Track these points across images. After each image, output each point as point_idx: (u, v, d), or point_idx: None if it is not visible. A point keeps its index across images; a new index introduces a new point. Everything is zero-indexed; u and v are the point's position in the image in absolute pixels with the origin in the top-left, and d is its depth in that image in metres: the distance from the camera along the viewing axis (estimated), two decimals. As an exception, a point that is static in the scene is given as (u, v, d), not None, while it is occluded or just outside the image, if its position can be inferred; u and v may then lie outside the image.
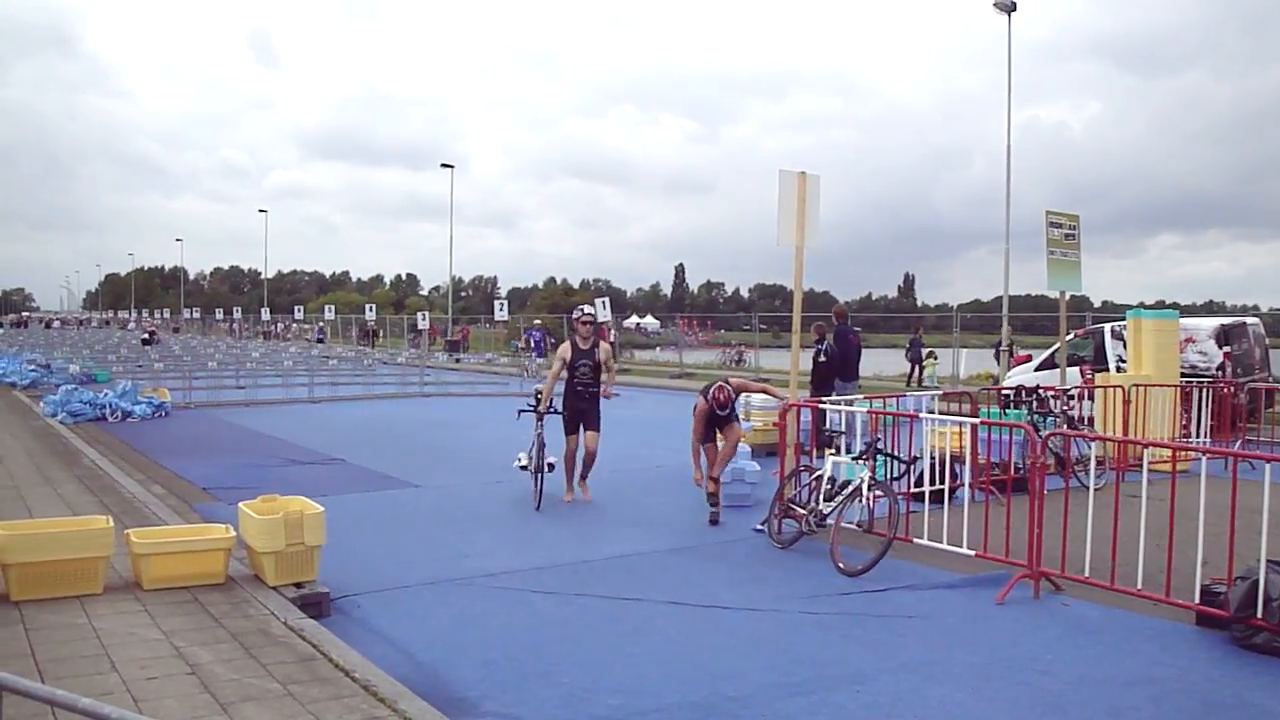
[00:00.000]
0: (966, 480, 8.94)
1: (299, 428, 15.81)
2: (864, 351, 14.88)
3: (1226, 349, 15.59)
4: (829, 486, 7.64)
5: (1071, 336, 16.84)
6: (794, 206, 8.81)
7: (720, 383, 8.72)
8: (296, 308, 63.09)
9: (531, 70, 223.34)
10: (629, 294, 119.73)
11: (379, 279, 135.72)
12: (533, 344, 34.01)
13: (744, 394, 9.55)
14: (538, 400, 9.52)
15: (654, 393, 23.93)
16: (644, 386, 25.74)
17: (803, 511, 7.76)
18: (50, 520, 6.55)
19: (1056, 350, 14.84)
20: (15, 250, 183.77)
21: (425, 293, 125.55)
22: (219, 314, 69.48)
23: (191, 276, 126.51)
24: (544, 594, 6.44)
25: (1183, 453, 8.35)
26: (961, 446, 9.20)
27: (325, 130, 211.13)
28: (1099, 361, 16.45)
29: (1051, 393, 11.18)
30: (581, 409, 9.50)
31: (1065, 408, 11.17)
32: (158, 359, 29.13)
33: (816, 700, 4.65)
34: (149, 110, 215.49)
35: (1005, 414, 10.50)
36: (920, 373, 26.55)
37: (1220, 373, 15.12)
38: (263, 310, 61.87)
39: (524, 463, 9.62)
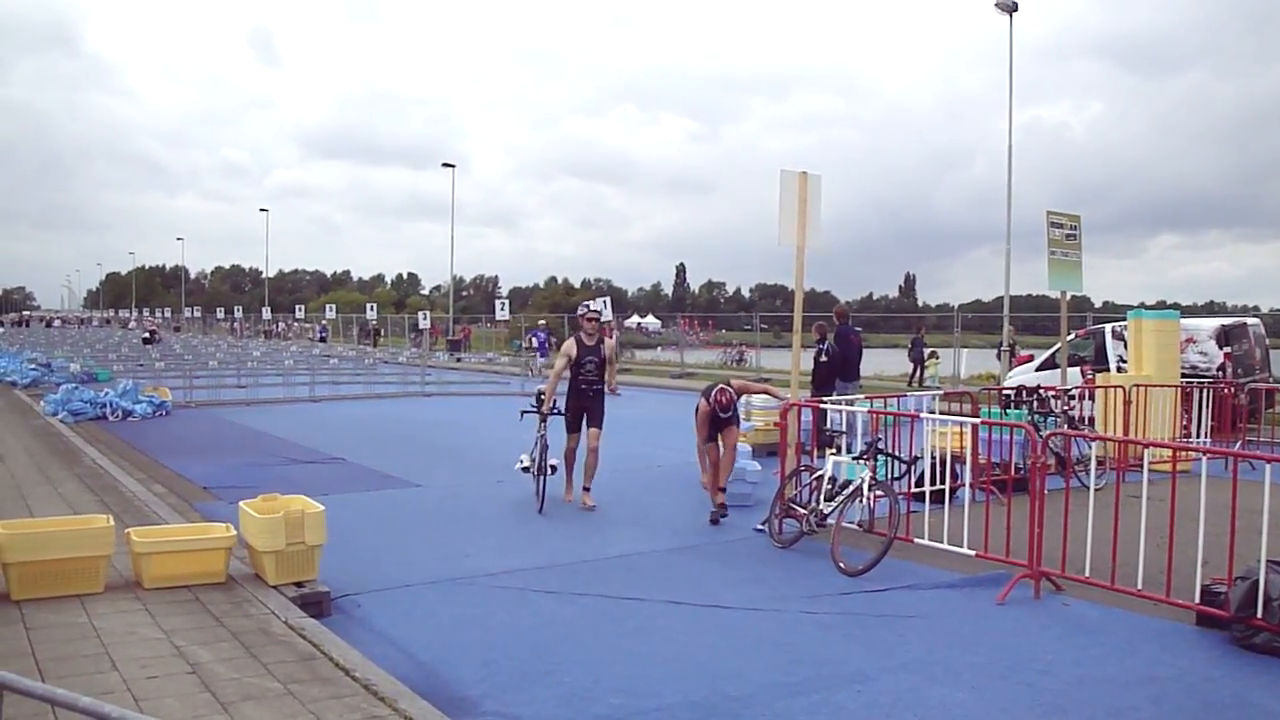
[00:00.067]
0: (967, 480, 8.93)
1: (300, 427, 15.82)
2: (865, 351, 14.90)
3: (1227, 349, 15.59)
4: (830, 486, 7.65)
5: (1072, 337, 16.83)
6: (795, 206, 8.81)
7: (722, 385, 8.71)
8: (298, 307, 63.25)
9: (532, 69, 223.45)
10: (630, 294, 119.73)
11: (380, 278, 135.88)
12: (536, 344, 34.03)
13: (745, 395, 9.53)
14: (540, 401, 9.39)
15: (655, 392, 23.94)
16: (645, 386, 25.75)
17: (803, 511, 7.77)
18: (51, 519, 6.56)
19: (1057, 350, 14.84)
20: (16, 249, 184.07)
21: (426, 292, 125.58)
22: (220, 313, 69.57)
23: (193, 275, 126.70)
24: (545, 593, 6.44)
25: (1183, 453, 8.37)
26: (962, 446, 9.20)
27: (326, 129, 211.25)
28: (1100, 362, 16.45)
29: (1052, 393, 11.18)
30: (585, 406, 9.37)
31: (1066, 408, 11.17)
32: (159, 358, 29.15)
33: (817, 700, 4.65)
34: (150, 109, 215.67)
35: (1006, 414, 10.50)
36: (922, 373, 26.54)
37: (1221, 373, 15.12)
38: (264, 309, 61.90)
39: (526, 464, 9.51)
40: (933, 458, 8.69)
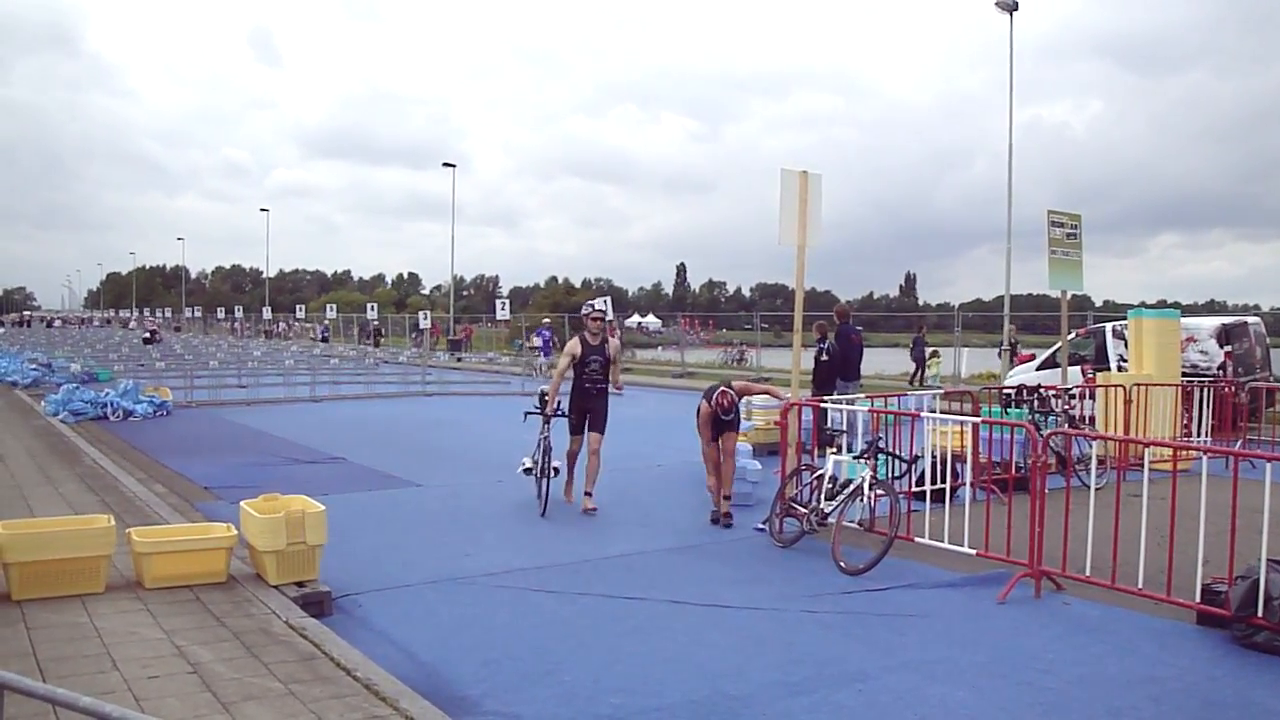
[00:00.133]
0: (968, 479, 8.93)
1: (300, 426, 15.82)
2: (865, 351, 14.90)
3: (1227, 348, 15.58)
4: (830, 485, 7.65)
5: (1073, 336, 16.83)
6: (795, 205, 8.80)
7: (723, 388, 8.67)
8: (298, 307, 63.24)
9: (533, 69, 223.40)
10: (631, 293, 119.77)
11: (380, 278, 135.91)
12: (540, 343, 34.00)
13: (746, 396, 9.50)
14: (543, 402, 9.23)
15: (656, 392, 23.94)
16: (646, 386, 25.74)
17: (804, 510, 7.77)
18: (52, 519, 6.56)
19: (1058, 349, 14.84)
20: (17, 249, 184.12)
21: (427, 292, 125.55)
22: (220, 313, 69.56)
23: (193, 275, 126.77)
24: (545, 593, 6.44)
25: (1184, 452, 8.37)
26: (963, 445, 9.20)
27: (327, 129, 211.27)
28: (1100, 361, 16.45)
29: (1053, 392, 11.18)
30: (589, 407, 9.19)
31: (1066, 407, 11.17)
32: (159, 358, 29.17)
33: (818, 699, 4.65)
34: (150, 109, 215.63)
35: (1007, 413, 10.50)
36: (923, 372, 26.54)
37: (1221, 372, 15.12)
38: (264, 309, 61.90)
39: (528, 466, 9.31)
40: (933, 457, 8.70)
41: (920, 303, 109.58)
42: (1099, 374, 14.33)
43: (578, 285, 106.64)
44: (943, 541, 7.26)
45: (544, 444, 9.03)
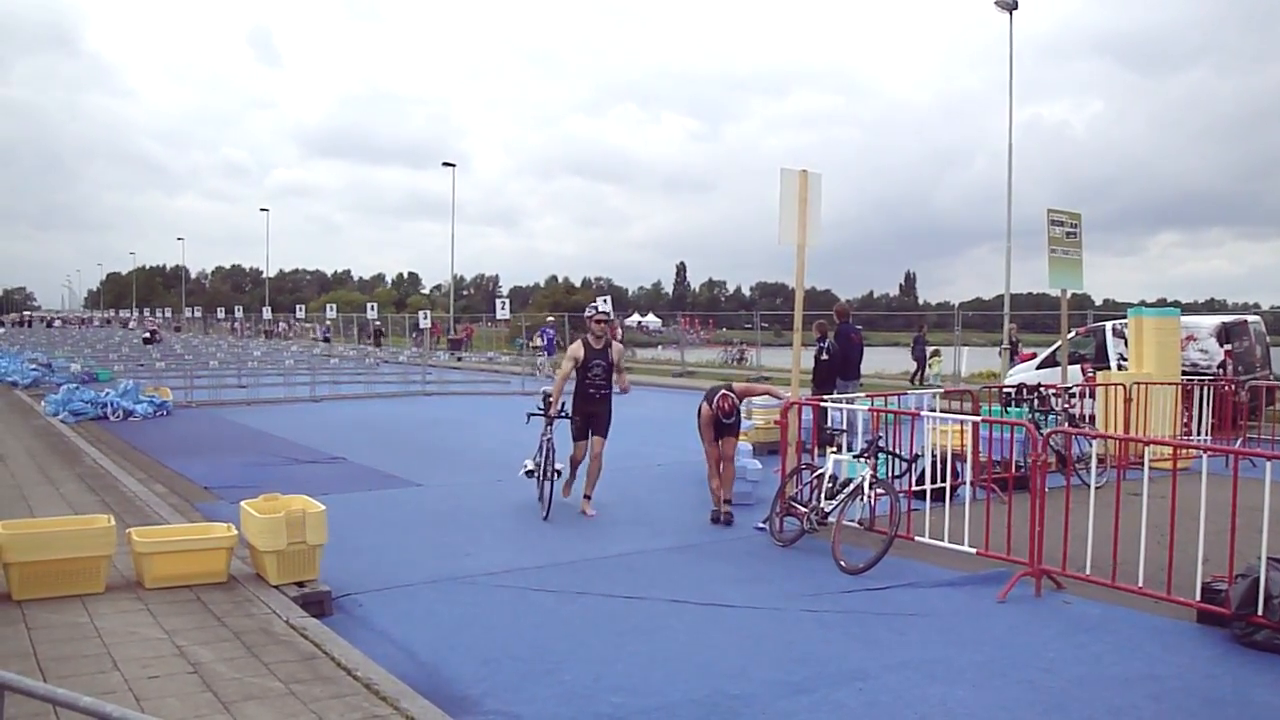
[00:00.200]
0: (968, 478, 8.93)
1: (301, 426, 15.82)
2: (866, 350, 14.89)
3: (1227, 347, 15.58)
4: (830, 484, 7.65)
5: (1073, 335, 16.83)
6: (795, 205, 8.80)
7: (724, 391, 8.64)
8: (298, 306, 63.25)
9: (533, 68, 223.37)
10: (631, 292, 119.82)
11: (380, 278, 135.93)
12: (544, 342, 33.98)
13: (747, 398, 9.46)
14: (546, 403, 9.06)
15: (656, 391, 23.92)
16: (646, 385, 25.73)
17: (804, 510, 7.77)
18: (52, 519, 6.57)
19: (1058, 348, 14.84)
20: (17, 249, 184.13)
21: (427, 291, 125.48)
22: (220, 313, 69.58)
23: (193, 275, 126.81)
24: (546, 592, 6.44)
25: (1184, 451, 8.36)
26: (963, 444, 9.20)
27: (326, 129, 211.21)
28: (1100, 359, 16.45)
29: (1053, 391, 11.18)
30: (592, 412, 9.01)
31: (1066, 406, 11.17)
32: (159, 358, 29.18)
33: (818, 698, 4.65)
34: (150, 109, 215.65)
35: (1007, 412, 10.50)
36: (922, 372, 26.53)
37: (1221, 371, 15.11)
38: (264, 309, 61.91)
39: (530, 469, 9.19)
40: (933, 456, 8.70)
41: (920, 302, 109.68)
42: (1099, 373, 14.33)
43: (578, 285, 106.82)
44: (943, 540, 7.26)
45: (547, 446, 8.93)
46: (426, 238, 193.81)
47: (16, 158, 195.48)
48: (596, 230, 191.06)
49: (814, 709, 4.53)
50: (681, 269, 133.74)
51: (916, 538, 7.43)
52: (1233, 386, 13.25)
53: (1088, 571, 6.24)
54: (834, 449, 8.35)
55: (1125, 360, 14.71)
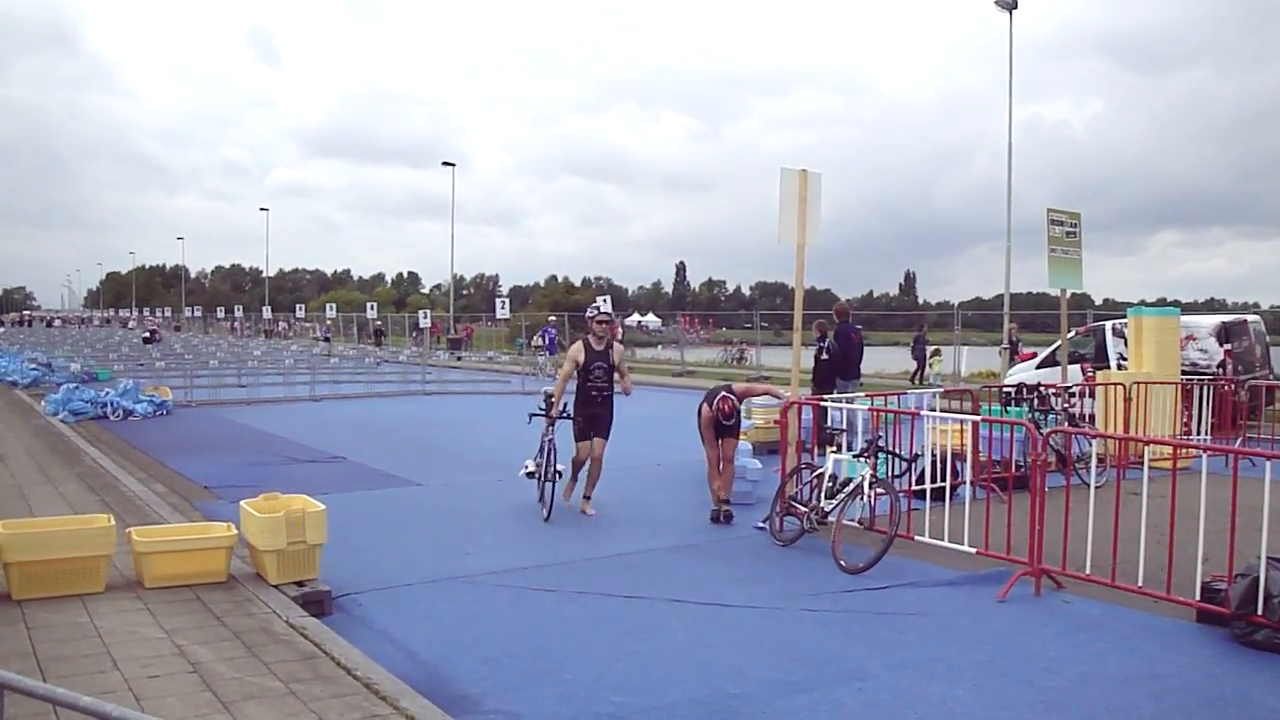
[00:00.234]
0: (968, 478, 8.93)
1: (300, 426, 15.83)
2: (866, 349, 14.89)
3: (1227, 346, 15.58)
4: (830, 484, 7.65)
5: (1073, 334, 16.83)
6: (795, 204, 8.80)
7: (724, 394, 8.61)
8: (298, 306, 63.24)
9: (533, 67, 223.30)
10: (630, 292, 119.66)
11: (380, 277, 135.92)
12: (546, 342, 33.94)
13: (747, 399, 9.44)
14: (548, 404, 8.93)
15: (656, 390, 23.91)
16: (646, 385, 25.73)
17: (804, 509, 7.77)
18: (52, 519, 6.57)
19: (1057, 348, 14.84)
20: (16, 248, 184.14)
21: (426, 291, 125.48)
22: (220, 312, 69.59)
23: (193, 275, 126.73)
24: (545, 592, 6.44)
25: (1183, 450, 8.36)
26: (963, 444, 9.20)
27: (326, 128, 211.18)
28: (1100, 359, 16.45)
29: (1053, 390, 11.18)
30: (594, 414, 8.91)
31: (1066, 405, 11.17)
32: (159, 357, 29.18)
33: (818, 697, 4.65)
34: (150, 108, 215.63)
35: (1006, 411, 10.50)
36: (921, 371, 26.52)
37: (1221, 370, 15.11)
38: (264, 309, 61.91)
39: (531, 470, 9.06)
40: (933, 455, 8.70)
41: (920, 301, 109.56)
42: (1099, 372, 14.33)
43: (577, 284, 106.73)
44: (943, 540, 7.26)
45: (548, 447, 8.81)
46: (426, 237, 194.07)
47: (16, 157, 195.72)
48: (596, 230, 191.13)
49: (813, 708, 4.53)
50: (681, 268, 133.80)
51: (916, 537, 7.43)
52: (1232, 386, 13.25)
53: (1088, 571, 6.24)
54: (834, 448, 8.35)
55: (1125, 360, 14.71)
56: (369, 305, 48.83)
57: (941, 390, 11.34)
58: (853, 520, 7.54)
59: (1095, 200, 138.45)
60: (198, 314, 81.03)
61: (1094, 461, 7.64)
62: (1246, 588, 5.38)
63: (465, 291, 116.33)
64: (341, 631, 5.34)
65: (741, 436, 9.59)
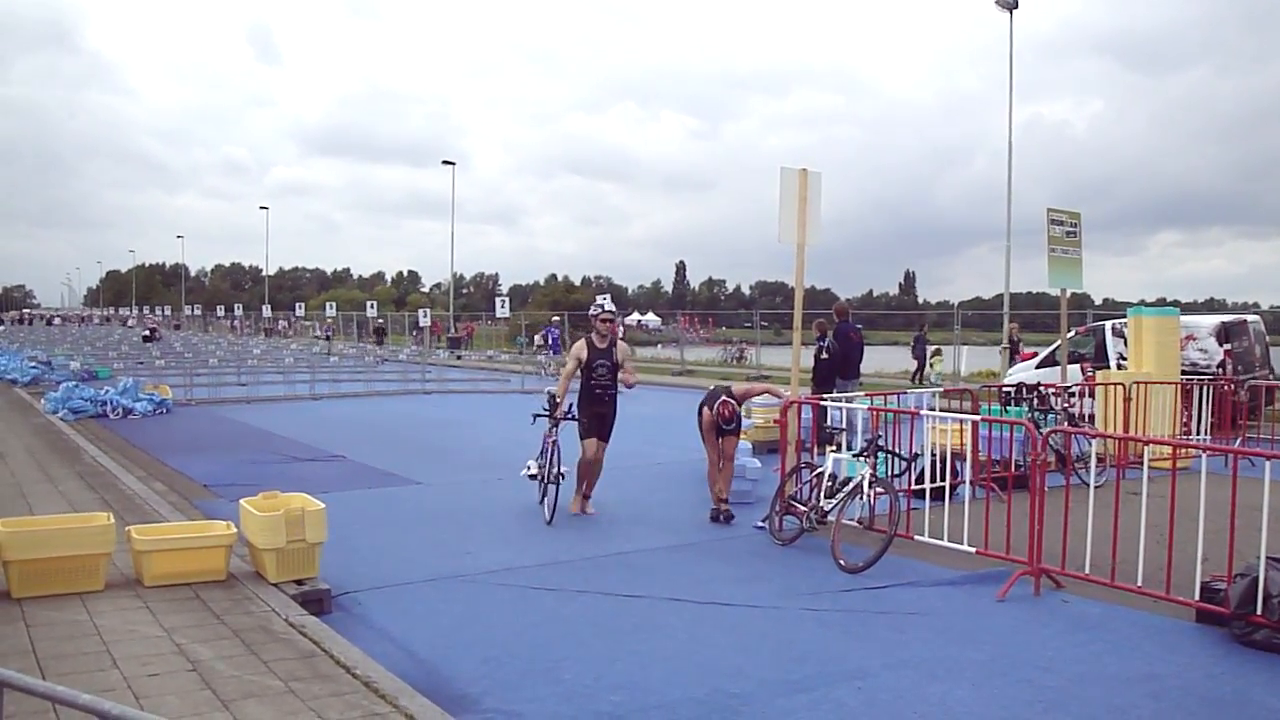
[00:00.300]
0: (967, 477, 8.93)
1: (300, 424, 15.83)
2: (866, 349, 14.89)
3: (1227, 346, 15.58)
4: (830, 483, 7.65)
5: (1073, 334, 16.83)
6: (795, 204, 8.80)
7: (724, 398, 8.55)
8: (298, 305, 63.20)
9: (533, 67, 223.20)
10: (630, 291, 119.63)
11: (380, 276, 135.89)
12: (550, 341, 33.90)
13: (747, 400, 9.40)
14: (551, 404, 8.74)
15: (655, 390, 23.91)
16: (645, 384, 25.72)
17: (804, 508, 7.77)
18: (51, 517, 6.57)
19: (1057, 347, 14.84)
20: (16, 247, 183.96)
21: (426, 290, 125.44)
22: (220, 311, 69.60)
23: (193, 273, 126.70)
24: (545, 591, 6.44)
25: (1183, 450, 8.36)
26: (962, 444, 9.20)
27: (326, 127, 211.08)
28: (1100, 359, 16.44)
29: (1052, 390, 11.18)
30: (599, 413, 8.77)
31: (1066, 405, 11.17)
32: (159, 356, 29.20)
33: (817, 697, 4.65)
34: (150, 107, 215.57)
35: (1006, 411, 10.50)
36: (921, 371, 26.51)
37: (1221, 370, 15.11)
38: (264, 307, 61.91)
39: (534, 471, 8.86)
40: (933, 455, 8.70)
41: (920, 301, 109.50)
42: (1098, 372, 14.33)
43: (577, 283, 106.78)
44: (942, 539, 7.26)
45: (552, 449, 8.64)
46: (426, 236, 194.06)
47: (16, 155, 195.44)
48: (596, 229, 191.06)
49: (813, 707, 4.53)
50: (681, 268, 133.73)
51: (916, 536, 7.43)
52: (1232, 386, 13.25)
53: (1087, 571, 6.24)
54: (833, 448, 8.35)
55: (1125, 359, 14.71)
56: (369, 304, 48.82)
57: (941, 390, 11.33)
58: (852, 519, 7.54)
59: (1095, 200, 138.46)
60: (197, 312, 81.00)
61: (1093, 461, 7.64)
62: (1246, 587, 5.38)
63: (465, 290, 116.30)
64: (341, 630, 5.34)
65: (741, 436, 9.59)
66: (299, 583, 5.99)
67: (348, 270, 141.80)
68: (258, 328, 62.23)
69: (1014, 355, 21.50)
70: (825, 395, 10.83)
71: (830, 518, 7.45)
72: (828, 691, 4.72)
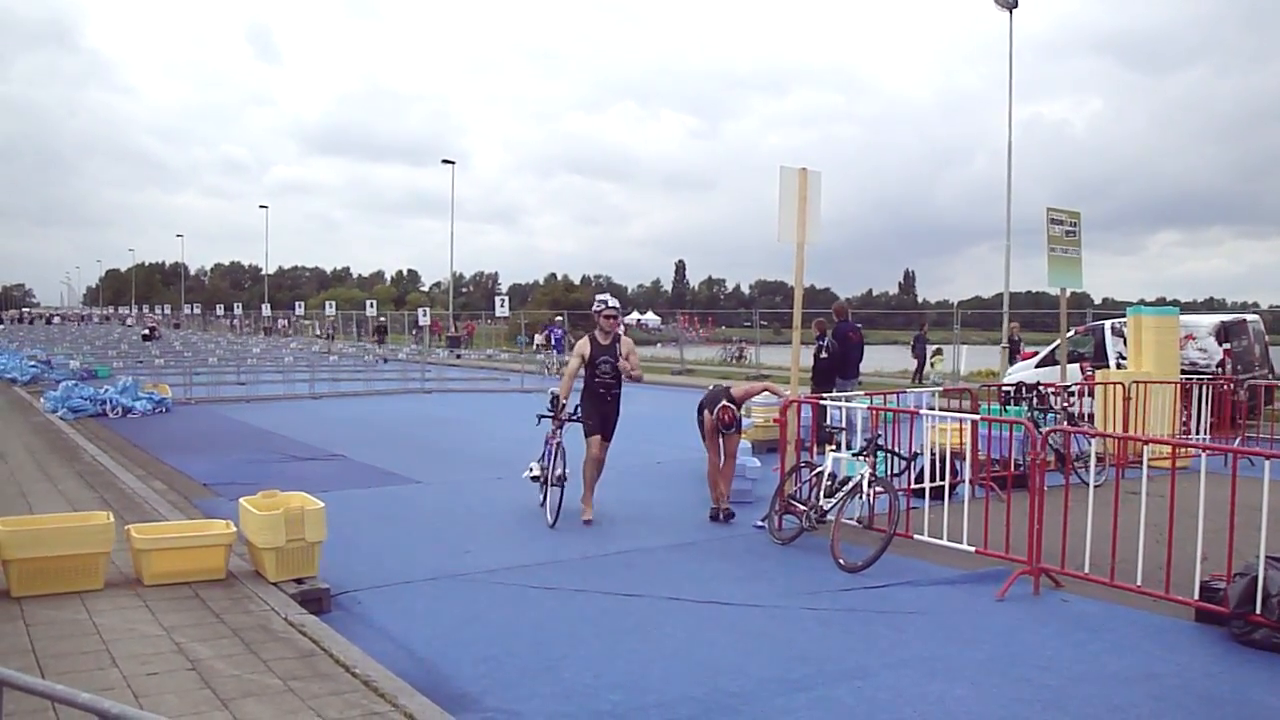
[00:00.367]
0: (967, 476, 8.93)
1: (300, 423, 15.83)
2: (865, 348, 14.87)
3: (1226, 346, 15.58)
4: (830, 483, 7.64)
5: (1072, 333, 16.82)
6: (795, 203, 8.80)
7: (724, 403, 8.53)
8: (297, 303, 63.26)
9: (533, 65, 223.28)
10: (630, 290, 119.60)
11: (380, 275, 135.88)
12: (553, 340, 33.89)
13: (747, 401, 9.37)
14: (557, 405, 8.58)
15: (655, 389, 23.91)
16: (645, 383, 25.74)
17: (803, 507, 7.77)
18: (51, 516, 6.56)
19: (1057, 347, 14.84)
20: (16, 246, 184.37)
21: (426, 289, 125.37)
22: (220, 310, 69.63)
23: (192, 272, 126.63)
24: (545, 590, 6.44)
25: (1182, 449, 8.36)
26: (962, 443, 9.19)
27: (326, 126, 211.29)
28: (1099, 358, 16.45)
29: (1052, 389, 11.18)
30: (603, 412, 8.62)
31: (1065, 404, 11.17)
32: (158, 355, 29.20)
33: (817, 696, 4.65)
34: (150, 105, 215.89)
35: (1005, 410, 10.50)
36: (920, 370, 26.50)
37: (1220, 370, 15.12)
38: (263, 306, 61.91)
39: (536, 473, 8.69)
40: (932, 454, 8.69)
41: (919, 300, 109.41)
42: (1098, 371, 14.33)
43: (577, 282, 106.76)
44: (942, 539, 7.26)
45: (555, 450, 8.48)
46: (426, 235, 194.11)
47: (16, 154, 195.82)
48: (596, 228, 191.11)
49: (812, 706, 4.53)
50: (681, 267, 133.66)
51: (915, 536, 7.43)
52: (1231, 385, 13.25)
53: (1086, 570, 6.24)
54: (833, 447, 8.35)
55: (1124, 359, 14.71)
56: (368, 303, 48.85)
57: (941, 389, 11.33)
58: (852, 519, 7.55)
59: (1095, 199, 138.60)
60: (197, 311, 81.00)
61: (1093, 460, 7.64)
62: (1245, 587, 5.38)
63: (465, 289, 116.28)
64: (340, 629, 5.34)
65: (741, 435, 9.58)
66: (298, 582, 5.99)
67: (347, 269, 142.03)
68: (257, 327, 62.25)
69: (1015, 354, 21.50)
70: (825, 395, 10.83)
71: (830, 517, 7.45)
72: (827, 690, 4.72)
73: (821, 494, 7.69)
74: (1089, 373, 15.04)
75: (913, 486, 8.22)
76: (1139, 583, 5.93)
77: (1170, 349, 13.20)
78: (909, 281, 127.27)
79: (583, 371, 8.72)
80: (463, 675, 4.90)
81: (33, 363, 24.76)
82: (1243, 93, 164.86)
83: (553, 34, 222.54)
